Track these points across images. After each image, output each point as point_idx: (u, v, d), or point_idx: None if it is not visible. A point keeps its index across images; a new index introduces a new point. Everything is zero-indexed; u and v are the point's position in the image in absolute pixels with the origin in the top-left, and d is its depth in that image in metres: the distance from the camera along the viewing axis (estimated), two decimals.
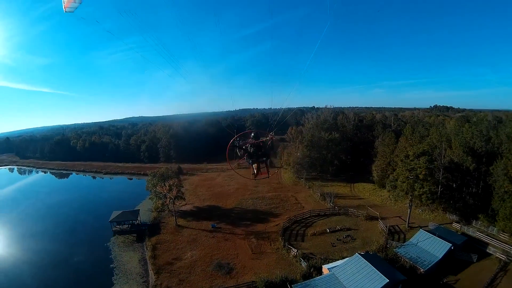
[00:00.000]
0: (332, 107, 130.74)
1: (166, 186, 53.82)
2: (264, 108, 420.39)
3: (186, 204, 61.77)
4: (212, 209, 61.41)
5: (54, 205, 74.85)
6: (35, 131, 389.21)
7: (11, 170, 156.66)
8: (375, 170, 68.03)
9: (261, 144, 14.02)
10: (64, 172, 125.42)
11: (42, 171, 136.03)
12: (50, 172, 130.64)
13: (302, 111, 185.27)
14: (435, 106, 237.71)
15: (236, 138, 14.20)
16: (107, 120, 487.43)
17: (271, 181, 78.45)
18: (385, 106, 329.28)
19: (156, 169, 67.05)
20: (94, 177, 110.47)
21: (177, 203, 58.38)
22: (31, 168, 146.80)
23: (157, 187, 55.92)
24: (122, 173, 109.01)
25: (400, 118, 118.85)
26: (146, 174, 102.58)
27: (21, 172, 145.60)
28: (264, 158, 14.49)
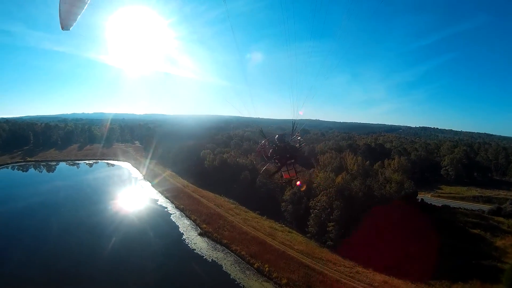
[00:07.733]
0: None
1: None
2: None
3: None
4: None
5: None
6: (203, 117, 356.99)
7: (110, 172, 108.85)
8: None
9: (287, 148, 13.35)
10: (178, 211, 62.61)
11: (151, 196, 73.23)
12: (160, 200, 70.74)
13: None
14: None
15: (264, 143, 13.88)
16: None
17: None
18: None
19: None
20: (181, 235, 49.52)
21: None
22: (142, 179, 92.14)
23: None
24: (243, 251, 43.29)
25: None
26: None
27: (120, 179, 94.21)
28: (292, 161, 13.58)
